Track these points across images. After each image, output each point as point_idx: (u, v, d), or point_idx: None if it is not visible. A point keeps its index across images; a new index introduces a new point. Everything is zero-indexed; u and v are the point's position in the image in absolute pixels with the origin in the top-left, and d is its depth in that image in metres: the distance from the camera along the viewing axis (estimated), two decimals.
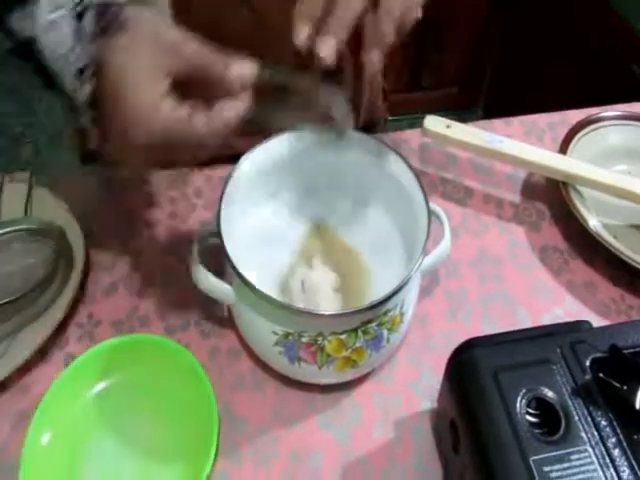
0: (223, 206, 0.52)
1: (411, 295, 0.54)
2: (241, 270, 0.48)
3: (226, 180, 0.53)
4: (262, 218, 0.61)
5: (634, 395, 0.44)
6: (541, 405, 0.45)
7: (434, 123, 0.70)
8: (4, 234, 0.61)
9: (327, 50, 0.44)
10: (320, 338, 0.50)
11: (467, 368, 0.47)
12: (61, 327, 0.58)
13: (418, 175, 0.55)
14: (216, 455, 0.50)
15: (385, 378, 0.58)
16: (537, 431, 0.43)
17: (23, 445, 0.49)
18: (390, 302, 0.50)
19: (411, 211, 0.55)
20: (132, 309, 0.61)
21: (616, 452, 0.42)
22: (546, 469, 0.41)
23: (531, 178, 0.75)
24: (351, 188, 0.62)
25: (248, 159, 0.56)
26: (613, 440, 0.43)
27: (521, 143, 0.69)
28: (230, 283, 0.53)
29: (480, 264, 0.66)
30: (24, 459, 0.49)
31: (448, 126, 0.70)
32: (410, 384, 0.58)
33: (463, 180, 0.74)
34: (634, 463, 0.42)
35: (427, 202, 0.53)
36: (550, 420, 0.44)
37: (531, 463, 0.41)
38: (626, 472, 0.41)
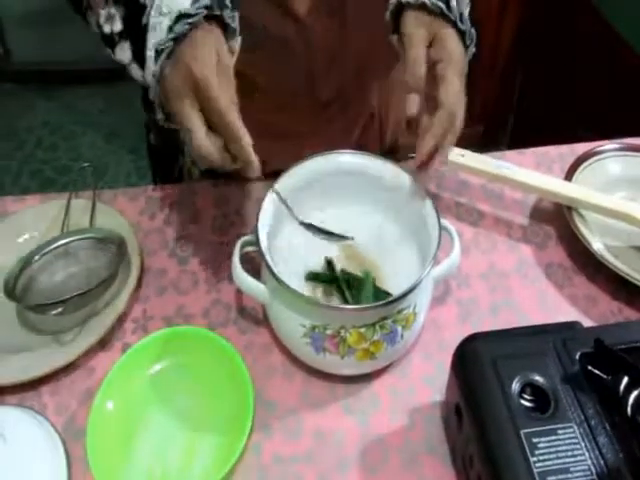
0: (260, 220, 0.61)
1: (423, 298, 0.62)
2: (274, 269, 0.57)
3: (263, 199, 0.63)
4: (292, 232, 0.69)
5: (619, 384, 0.50)
6: (534, 391, 0.52)
7: (450, 152, 0.78)
8: (72, 241, 0.71)
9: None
10: (342, 330, 0.57)
11: (470, 357, 0.55)
12: (120, 321, 0.68)
13: (430, 195, 0.63)
14: (251, 431, 0.58)
15: (401, 373, 0.65)
16: (529, 410, 0.50)
17: (89, 414, 0.58)
18: (404, 301, 0.57)
19: (425, 229, 0.63)
20: (179, 307, 0.70)
21: (598, 430, 0.49)
22: (535, 440, 0.48)
23: (539, 204, 0.82)
24: (372, 207, 0.71)
25: (282, 181, 0.65)
26: (596, 420, 0.49)
27: (528, 170, 0.77)
28: (265, 283, 0.61)
29: (489, 277, 0.74)
30: (90, 424, 0.57)
31: (462, 155, 0.78)
32: (423, 379, 0.65)
33: (475, 204, 0.82)
34: (614, 440, 0.48)
35: (439, 218, 0.61)
36: (541, 402, 0.51)
37: (522, 435, 0.48)
38: (606, 446, 0.48)
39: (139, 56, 0.58)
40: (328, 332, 0.58)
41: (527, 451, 0.47)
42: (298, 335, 0.59)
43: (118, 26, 0.59)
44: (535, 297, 0.72)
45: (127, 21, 0.59)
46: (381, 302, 0.56)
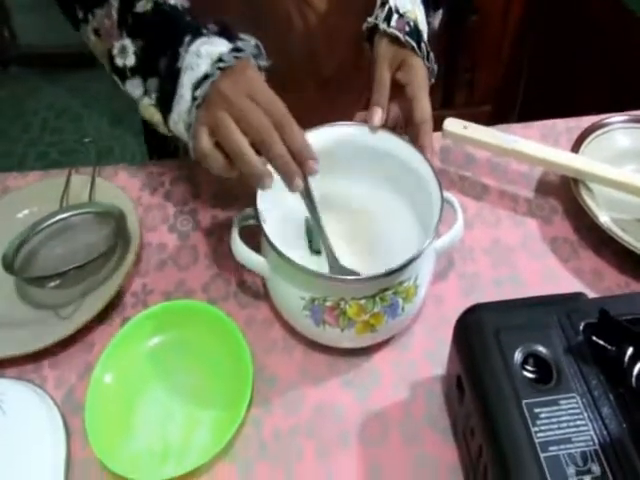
0: (259, 192, 0.60)
1: (425, 270, 0.60)
2: (274, 241, 0.56)
3: None
4: (293, 203, 0.67)
5: (623, 354, 0.49)
6: (537, 362, 0.51)
7: (452, 124, 0.77)
8: (71, 216, 0.71)
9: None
10: (342, 302, 0.56)
11: (472, 328, 0.54)
12: (119, 295, 0.67)
13: (433, 166, 0.62)
14: (250, 405, 0.58)
15: (402, 347, 0.64)
16: (531, 381, 0.49)
17: (88, 387, 0.57)
18: (405, 272, 0.56)
19: (427, 200, 0.61)
20: (179, 282, 0.69)
21: (601, 401, 0.48)
22: (537, 410, 0.47)
23: (545, 177, 0.80)
24: (370, 178, 0.69)
25: None
26: (600, 391, 0.48)
27: (534, 142, 0.75)
28: (265, 256, 0.60)
29: (493, 251, 0.72)
30: (89, 398, 0.57)
31: (465, 127, 0.76)
32: (425, 353, 0.64)
33: (480, 178, 0.80)
34: (618, 411, 0.47)
35: (441, 189, 0.60)
36: (544, 373, 0.50)
37: (523, 405, 0.47)
38: (609, 417, 0.47)
39: (163, 97, 0.58)
40: (328, 304, 0.57)
41: (528, 421, 0.46)
42: (298, 308, 0.58)
43: (131, 61, 0.60)
44: (540, 271, 0.71)
45: (142, 57, 0.59)
46: (381, 273, 0.54)
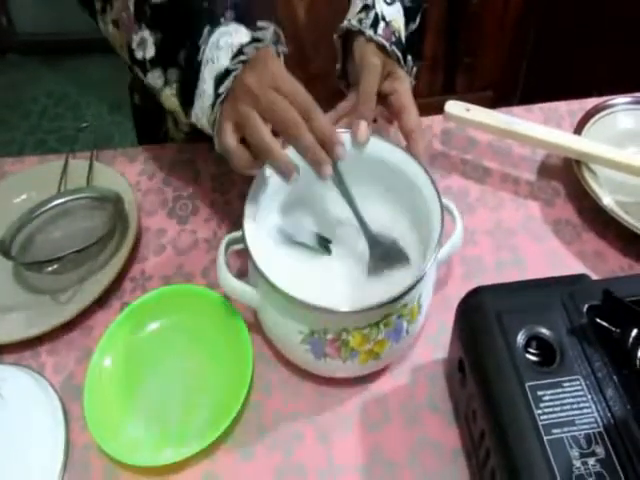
0: (247, 211, 0.56)
1: (428, 286, 0.57)
2: (266, 272, 0.51)
3: (252, 183, 0.59)
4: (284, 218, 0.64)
5: (627, 336, 0.49)
6: (540, 344, 0.50)
7: (454, 107, 0.76)
8: (68, 201, 0.70)
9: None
10: (344, 333, 0.53)
11: (474, 311, 0.53)
12: (118, 280, 0.67)
13: (430, 174, 0.58)
14: (250, 389, 0.57)
15: None
16: (534, 363, 0.49)
17: (87, 372, 0.57)
18: (408, 296, 0.52)
19: (425, 208, 0.57)
20: (178, 267, 0.69)
21: (605, 383, 0.47)
22: (540, 393, 0.46)
23: (547, 159, 0.79)
24: (367, 186, 0.63)
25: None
26: (603, 373, 0.48)
27: (536, 125, 0.74)
28: (255, 285, 0.56)
29: (496, 235, 0.72)
30: (88, 382, 0.57)
31: (467, 109, 0.75)
32: (426, 337, 0.63)
33: (482, 161, 0.79)
34: (622, 393, 0.46)
35: (440, 199, 0.56)
36: (547, 356, 0.49)
37: (526, 387, 0.47)
38: (613, 399, 0.46)
39: (184, 90, 0.58)
40: (329, 337, 0.53)
41: (532, 404, 0.46)
42: (296, 342, 0.54)
43: (151, 52, 0.59)
44: (542, 255, 0.70)
45: (161, 48, 0.58)
46: (384, 300, 0.50)
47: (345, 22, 0.65)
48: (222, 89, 0.54)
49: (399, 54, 0.64)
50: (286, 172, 0.53)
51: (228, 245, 0.58)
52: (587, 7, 1.61)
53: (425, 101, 0.96)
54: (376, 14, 0.64)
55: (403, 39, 0.67)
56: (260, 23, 0.57)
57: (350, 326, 0.52)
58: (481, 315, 0.52)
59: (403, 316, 0.54)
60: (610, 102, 0.80)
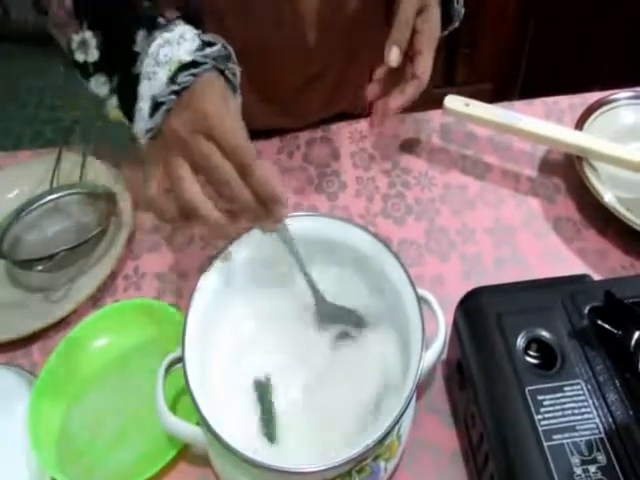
0: (187, 341, 0.47)
1: (407, 417, 0.49)
2: (214, 425, 0.42)
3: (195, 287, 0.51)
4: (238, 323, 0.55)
5: (629, 339, 0.48)
6: (540, 347, 0.49)
7: (453, 101, 0.74)
8: (61, 197, 0.69)
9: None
10: None
11: (473, 312, 0.52)
12: (112, 278, 0.66)
13: (405, 268, 0.51)
14: None
15: None
16: (534, 367, 0.48)
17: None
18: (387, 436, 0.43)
19: (403, 314, 0.50)
20: (173, 264, 0.67)
21: (607, 387, 0.46)
22: (540, 398, 0.46)
23: (548, 155, 0.78)
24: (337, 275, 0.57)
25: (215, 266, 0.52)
26: (605, 377, 0.47)
27: (537, 120, 0.73)
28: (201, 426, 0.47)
29: (495, 232, 0.71)
30: (39, 382, 0.56)
31: (467, 104, 0.74)
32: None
33: (482, 156, 0.78)
34: (624, 397, 0.45)
35: (419, 302, 0.49)
36: (547, 359, 0.48)
37: (526, 392, 0.46)
38: (615, 403, 0.45)
39: (123, 104, 0.51)
40: None
41: (532, 409, 0.45)
42: None
43: (94, 56, 0.52)
44: (543, 252, 0.69)
45: (106, 51, 0.52)
46: (356, 453, 0.41)
47: None
48: (150, 124, 0.48)
49: None
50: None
51: (168, 366, 0.50)
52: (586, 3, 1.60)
53: (423, 93, 0.95)
54: None
55: None
56: (206, 37, 0.50)
57: None
58: (480, 317, 0.51)
59: (380, 456, 0.46)
60: (612, 97, 0.78)
